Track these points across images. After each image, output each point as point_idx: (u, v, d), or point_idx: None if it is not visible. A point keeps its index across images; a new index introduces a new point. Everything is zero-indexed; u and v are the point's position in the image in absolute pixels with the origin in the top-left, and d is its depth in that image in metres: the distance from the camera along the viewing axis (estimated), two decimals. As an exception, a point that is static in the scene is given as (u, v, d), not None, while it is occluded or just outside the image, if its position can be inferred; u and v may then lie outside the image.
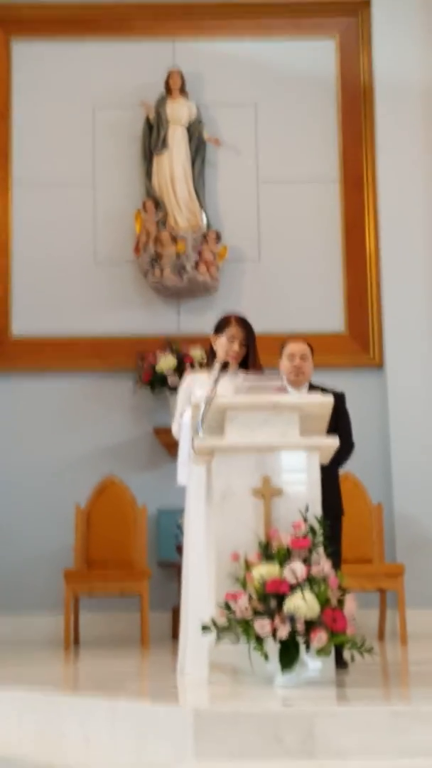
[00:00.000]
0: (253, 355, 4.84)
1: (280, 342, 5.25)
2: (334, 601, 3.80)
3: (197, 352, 7.22)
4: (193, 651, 4.53)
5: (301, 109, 7.86)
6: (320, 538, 3.95)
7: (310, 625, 3.74)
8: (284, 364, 5.09)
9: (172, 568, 7.05)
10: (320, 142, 7.82)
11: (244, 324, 4.84)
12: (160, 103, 7.76)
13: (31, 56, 7.89)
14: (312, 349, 5.16)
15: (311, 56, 7.89)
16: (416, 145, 7.66)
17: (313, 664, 3.87)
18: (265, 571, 3.84)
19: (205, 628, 3.91)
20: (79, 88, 7.86)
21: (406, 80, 7.70)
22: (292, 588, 3.79)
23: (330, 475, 4.70)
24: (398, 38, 7.73)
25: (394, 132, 7.67)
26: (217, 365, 4.76)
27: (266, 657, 3.78)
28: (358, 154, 7.77)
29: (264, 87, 7.87)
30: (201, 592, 4.55)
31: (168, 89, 7.78)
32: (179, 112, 7.74)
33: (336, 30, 7.91)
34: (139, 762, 3.23)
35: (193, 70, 7.84)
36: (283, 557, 3.89)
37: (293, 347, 5.10)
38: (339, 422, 4.79)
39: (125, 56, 7.88)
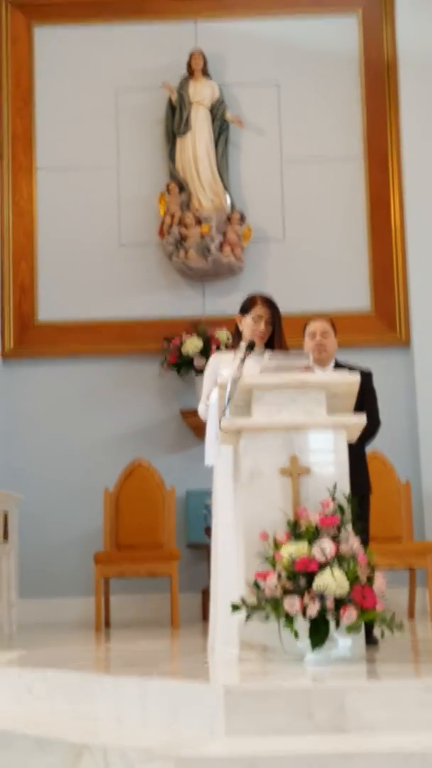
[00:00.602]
0: (278, 334, 4.83)
1: (305, 322, 5.23)
2: (363, 579, 3.80)
3: (223, 334, 7.22)
4: (223, 630, 4.55)
5: (324, 86, 7.81)
6: (348, 516, 3.95)
7: (340, 603, 3.74)
8: (306, 343, 5.09)
9: (201, 550, 7.08)
10: (344, 119, 7.77)
11: (269, 303, 4.83)
12: (183, 85, 7.74)
13: (53, 41, 7.89)
14: (334, 326, 5.14)
15: (334, 33, 7.83)
16: (441, 121, 7.59)
17: (343, 641, 3.87)
18: (293, 549, 3.84)
19: (235, 607, 3.92)
20: (102, 72, 7.86)
21: (430, 55, 7.61)
22: (321, 566, 3.79)
23: (357, 453, 4.68)
24: (422, 13, 7.64)
25: (419, 108, 7.60)
26: (242, 345, 4.76)
27: (296, 635, 3.78)
28: (383, 132, 7.71)
29: (286, 65, 7.82)
30: (230, 572, 4.56)
31: (190, 70, 7.75)
32: (202, 93, 7.72)
33: (358, 5, 7.84)
34: (172, 740, 3.25)
35: (215, 51, 7.81)
36: (312, 536, 3.89)
37: (313, 325, 5.11)
38: (364, 400, 4.76)
39: (147, 38, 7.86)
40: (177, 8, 7.86)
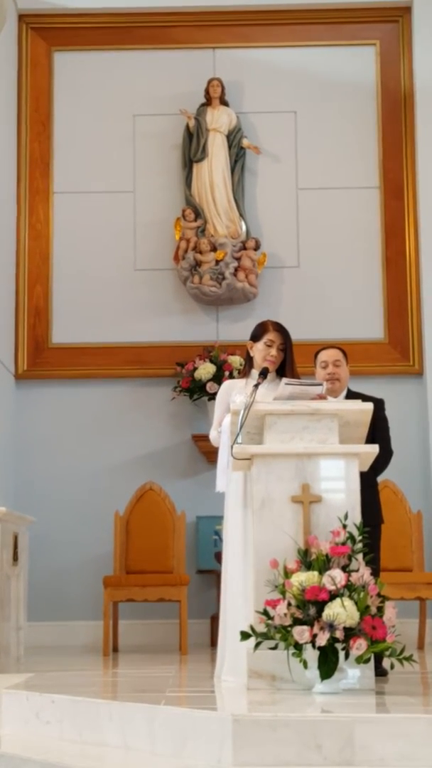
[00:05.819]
0: (290, 361, 4.83)
1: (316, 350, 5.23)
2: (373, 609, 3.78)
3: (236, 360, 7.23)
4: (231, 658, 4.52)
5: (341, 116, 7.85)
6: (359, 546, 3.93)
7: (350, 633, 3.72)
8: (318, 372, 5.08)
9: (210, 576, 7.06)
10: (360, 149, 7.80)
11: (281, 330, 4.83)
12: (200, 112, 7.80)
13: (72, 66, 7.96)
14: (346, 355, 5.13)
15: (351, 63, 7.88)
16: (457, 151, 7.62)
17: (352, 672, 3.85)
18: (304, 578, 3.83)
19: (244, 634, 3.90)
20: (120, 97, 7.92)
21: (446, 87, 7.66)
22: (332, 595, 3.77)
23: (369, 482, 4.67)
24: (439, 45, 7.70)
25: (435, 138, 7.64)
26: (255, 372, 4.76)
27: (305, 664, 3.76)
28: (399, 161, 7.74)
29: (304, 94, 7.87)
30: (237, 600, 4.54)
31: (208, 98, 7.81)
32: (219, 120, 7.77)
33: (376, 36, 7.90)
34: (178, 768, 3.23)
35: (233, 78, 7.86)
36: (322, 564, 3.87)
37: (325, 355, 5.09)
38: (376, 429, 4.75)
39: (165, 65, 7.92)
40: (196, 37, 7.93)
